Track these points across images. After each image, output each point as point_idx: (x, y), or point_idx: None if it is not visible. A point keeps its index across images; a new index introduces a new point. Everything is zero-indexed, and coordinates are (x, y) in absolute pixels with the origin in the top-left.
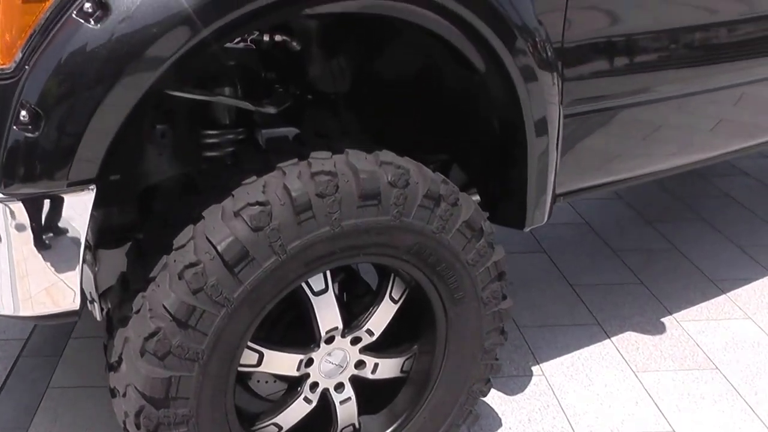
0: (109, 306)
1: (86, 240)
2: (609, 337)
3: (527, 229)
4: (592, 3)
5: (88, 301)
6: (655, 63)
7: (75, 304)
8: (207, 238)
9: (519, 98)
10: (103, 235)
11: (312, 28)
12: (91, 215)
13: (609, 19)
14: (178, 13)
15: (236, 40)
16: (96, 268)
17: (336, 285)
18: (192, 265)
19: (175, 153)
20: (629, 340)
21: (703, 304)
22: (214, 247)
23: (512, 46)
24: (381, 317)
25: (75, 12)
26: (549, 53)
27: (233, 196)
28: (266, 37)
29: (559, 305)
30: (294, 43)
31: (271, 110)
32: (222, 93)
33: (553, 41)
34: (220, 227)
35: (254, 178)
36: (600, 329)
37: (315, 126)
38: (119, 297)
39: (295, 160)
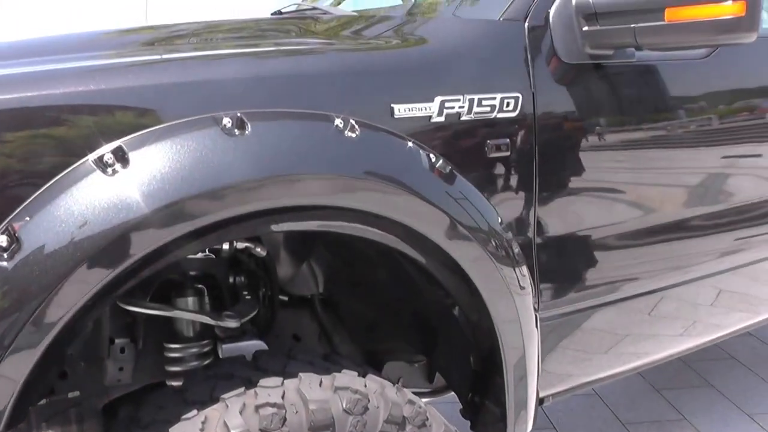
0: None
1: None
2: None
3: None
4: (563, 203)
5: None
6: (635, 259)
7: None
8: None
9: (488, 309)
10: None
11: (278, 235)
12: None
13: (582, 219)
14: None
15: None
16: None
17: None
18: None
19: (137, 368)
20: None
21: None
22: None
23: (476, 257)
24: None
25: None
26: (518, 258)
27: None
28: (226, 245)
29: None
30: (259, 249)
31: (233, 324)
32: (185, 304)
33: (523, 245)
34: None
35: (195, 412)
36: None
37: (290, 329)
38: None
39: (242, 389)
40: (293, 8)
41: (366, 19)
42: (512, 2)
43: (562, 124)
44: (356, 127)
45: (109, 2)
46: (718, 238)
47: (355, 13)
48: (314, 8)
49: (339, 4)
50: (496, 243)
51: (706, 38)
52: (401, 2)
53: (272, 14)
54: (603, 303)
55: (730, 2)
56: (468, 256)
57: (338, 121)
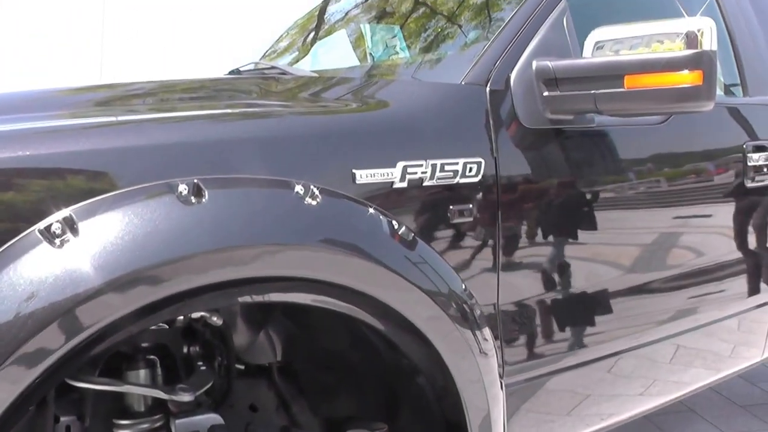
0: None
1: None
2: None
3: None
4: (526, 268)
5: None
6: (598, 321)
7: None
8: None
9: (452, 374)
10: None
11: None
12: None
13: (546, 283)
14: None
15: None
16: None
17: None
18: None
19: None
20: None
21: None
22: None
23: (438, 324)
24: None
25: None
26: (482, 323)
27: None
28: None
29: None
30: (215, 319)
31: (187, 397)
32: (136, 378)
33: (487, 310)
34: None
35: None
36: None
37: (247, 399)
38: None
39: None
40: (251, 67)
41: (325, 80)
42: (474, 66)
43: (524, 189)
44: (317, 194)
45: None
46: (677, 298)
47: (315, 74)
48: (273, 67)
49: (298, 62)
50: (458, 309)
51: (664, 106)
52: (359, 63)
53: (230, 73)
54: (567, 366)
55: (687, 72)
56: (430, 322)
57: (299, 188)
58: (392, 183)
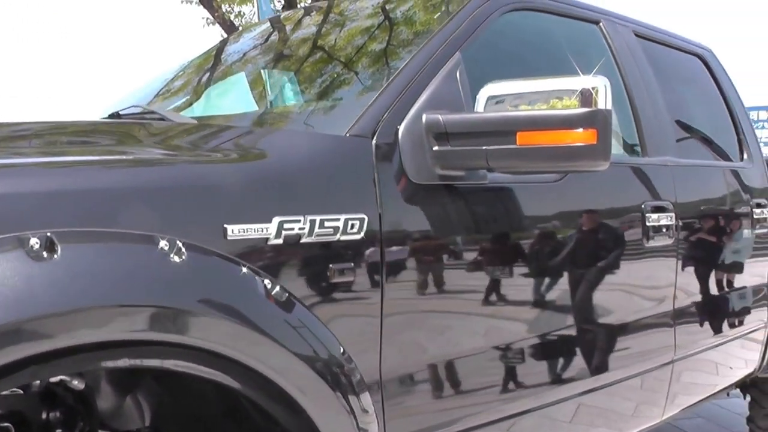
0: None
1: None
2: None
3: None
4: (413, 330)
5: None
6: (492, 384)
7: None
8: None
9: None
10: None
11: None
12: None
13: (433, 347)
14: None
15: None
16: None
17: None
18: None
19: None
20: None
21: None
22: None
23: (313, 391)
24: None
25: None
26: (362, 390)
27: None
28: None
29: None
30: (76, 382)
31: None
32: None
33: (369, 375)
34: None
35: None
36: None
37: None
38: None
39: None
40: (132, 111)
41: (203, 128)
42: (360, 117)
43: (411, 247)
44: (183, 250)
45: None
46: (577, 357)
47: (194, 121)
48: (152, 112)
49: (190, 104)
50: (336, 375)
51: (558, 164)
52: (251, 109)
53: (109, 116)
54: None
55: (581, 130)
56: (305, 390)
57: (163, 243)
58: (267, 239)
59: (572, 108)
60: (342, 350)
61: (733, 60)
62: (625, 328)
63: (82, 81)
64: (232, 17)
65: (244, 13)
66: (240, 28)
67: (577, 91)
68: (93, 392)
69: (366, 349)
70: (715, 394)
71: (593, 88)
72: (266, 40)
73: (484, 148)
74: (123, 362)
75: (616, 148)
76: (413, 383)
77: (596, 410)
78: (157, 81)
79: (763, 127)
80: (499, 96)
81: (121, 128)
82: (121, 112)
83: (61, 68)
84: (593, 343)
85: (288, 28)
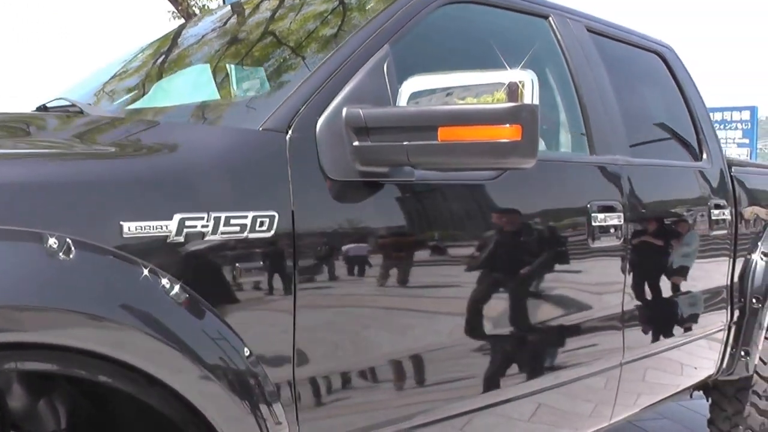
0: None
1: None
2: None
3: None
4: (328, 333)
5: None
6: (419, 386)
7: None
8: None
9: None
10: None
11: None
12: None
13: (351, 349)
14: None
15: None
16: None
17: None
18: None
19: None
20: None
21: None
22: None
23: (216, 398)
24: None
25: None
26: (272, 396)
27: None
28: None
29: None
30: None
31: None
32: None
33: (280, 380)
34: None
35: None
36: None
37: None
38: None
39: None
40: (59, 103)
41: (113, 121)
42: (276, 110)
43: (326, 247)
44: (73, 248)
45: None
46: (507, 361)
47: (112, 114)
48: (73, 105)
49: (130, 95)
50: (245, 383)
51: (481, 161)
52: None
53: (37, 109)
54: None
55: (507, 126)
56: (205, 396)
57: (52, 241)
58: (167, 237)
59: (496, 103)
60: (251, 356)
61: (704, 60)
62: (568, 331)
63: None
64: (196, 10)
65: (208, 6)
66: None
67: (504, 84)
68: (4, 393)
69: (278, 354)
70: (671, 396)
71: (520, 82)
72: (209, 31)
73: (404, 143)
74: (10, 365)
75: (563, 146)
76: (331, 388)
77: (542, 410)
78: (106, 72)
79: (735, 128)
80: (422, 90)
81: (35, 121)
82: (47, 105)
83: (61, 68)
84: (528, 345)
85: (230, 18)
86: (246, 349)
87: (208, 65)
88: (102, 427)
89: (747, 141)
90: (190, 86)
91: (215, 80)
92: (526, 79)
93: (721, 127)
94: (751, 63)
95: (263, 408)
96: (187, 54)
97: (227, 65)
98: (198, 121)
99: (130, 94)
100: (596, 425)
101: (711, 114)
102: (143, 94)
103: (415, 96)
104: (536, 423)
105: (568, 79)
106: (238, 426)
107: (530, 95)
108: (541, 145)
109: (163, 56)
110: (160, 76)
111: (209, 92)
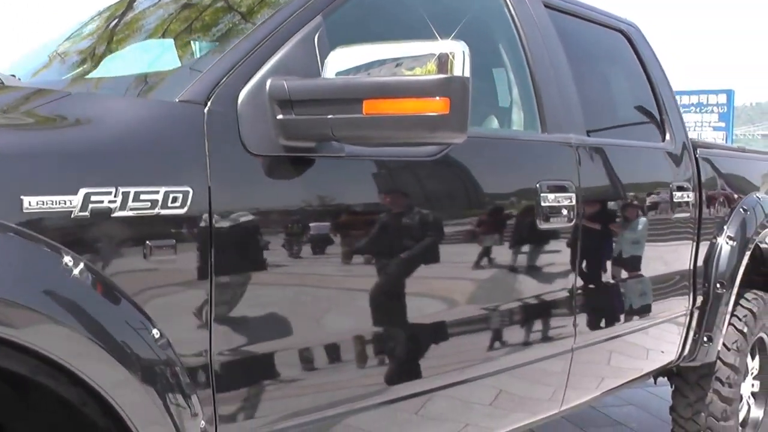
0: None
1: None
2: None
3: None
4: (247, 315)
5: None
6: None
7: None
8: None
9: None
10: None
11: None
12: None
13: (273, 331)
14: None
15: None
16: None
17: None
18: None
19: None
20: None
21: None
22: None
23: (122, 385)
24: None
25: None
26: (186, 383)
27: None
28: None
29: None
30: None
31: None
32: None
33: (195, 365)
34: None
35: None
36: None
37: None
38: None
39: None
40: None
41: (22, 91)
42: (195, 81)
43: (245, 225)
44: None
45: None
46: (444, 345)
47: (30, 86)
48: None
49: (90, 70)
50: (150, 366)
51: (408, 135)
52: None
53: None
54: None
55: (436, 99)
56: (115, 387)
57: None
58: (71, 212)
59: (426, 75)
60: (161, 338)
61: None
62: (514, 315)
63: None
64: None
65: None
66: None
67: (434, 56)
68: None
69: (193, 338)
70: (630, 382)
71: (451, 53)
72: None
73: (329, 117)
74: None
75: (516, 124)
76: (253, 373)
77: (488, 394)
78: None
79: (712, 112)
80: (373, 62)
81: None
82: None
83: None
84: (472, 329)
85: None
86: (156, 332)
87: (160, 39)
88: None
89: (723, 125)
90: (137, 58)
91: (160, 53)
92: (457, 50)
93: (698, 110)
94: (729, 55)
95: (175, 396)
96: (134, 25)
97: (169, 38)
98: (131, 92)
99: (76, 64)
100: (550, 410)
101: (687, 97)
102: (91, 64)
103: (360, 69)
104: (484, 407)
105: (520, 55)
106: (144, 413)
107: (461, 67)
108: (492, 123)
109: (114, 22)
110: (107, 46)
111: (156, 63)
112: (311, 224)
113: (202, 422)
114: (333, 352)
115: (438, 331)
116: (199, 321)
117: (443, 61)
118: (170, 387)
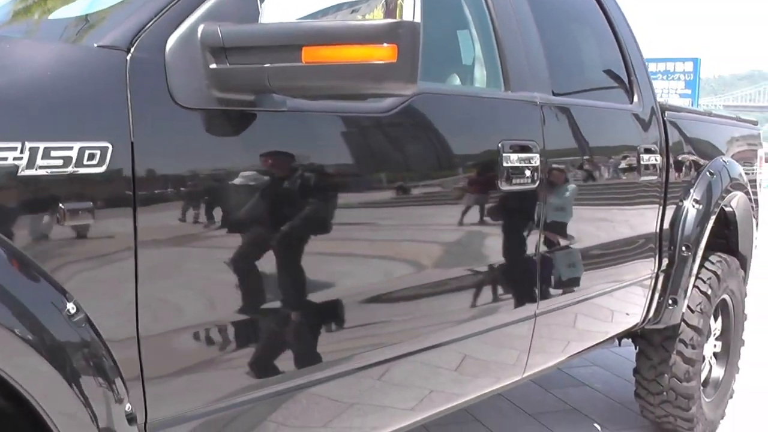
0: None
1: None
2: None
3: None
4: (182, 288)
5: None
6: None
7: None
8: None
9: None
10: None
11: None
12: None
13: (209, 305)
14: None
15: None
16: None
17: None
18: None
19: None
20: None
21: None
22: None
23: (29, 372)
24: None
25: None
26: (108, 366)
27: None
28: None
29: None
30: None
31: None
32: None
33: (123, 344)
34: None
35: None
36: None
37: None
38: None
39: None
40: None
41: None
42: (119, 25)
43: (174, 187)
44: None
45: None
46: (425, 306)
47: None
48: None
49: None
50: (66, 347)
51: (352, 86)
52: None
53: None
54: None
55: (386, 45)
56: (15, 366)
57: None
58: None
59: (371, 20)
60: (78, 314)
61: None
62: (473, 279)
63: None
64: None
65: None
66: None
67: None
68: None
69: (117, 314)
70: (594, 346)
71: None
72: None
73: (265, 65)
74: None
75: (478, 82)
76: (186, 350)
77: (479, 361)
78: None
79: (678, 79)
80: (328, 8)
81: None
82: None
83: None
84: (431, 294)
85: None
86: (71, 306)
87: None
88: None
89: (689, 92)
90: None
91: None
92: None
93: (664, 77)
94: (695, 34)
95: (96, 379)
96: None
97: None
98: (65, 36)
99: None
100: (514, 376)
101: (655, 64)
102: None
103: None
104: (450, 372)
105: (484, 10)
106: (57, 401)
107: (411, 12)
108: (454, 81)
109: None
110: None
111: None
112: (249, 186)
113: (128, 405)
114: (283, 323)
115: (394, 297)
116: (123, 294)
117: (391, 6)
118: (89, 369)
